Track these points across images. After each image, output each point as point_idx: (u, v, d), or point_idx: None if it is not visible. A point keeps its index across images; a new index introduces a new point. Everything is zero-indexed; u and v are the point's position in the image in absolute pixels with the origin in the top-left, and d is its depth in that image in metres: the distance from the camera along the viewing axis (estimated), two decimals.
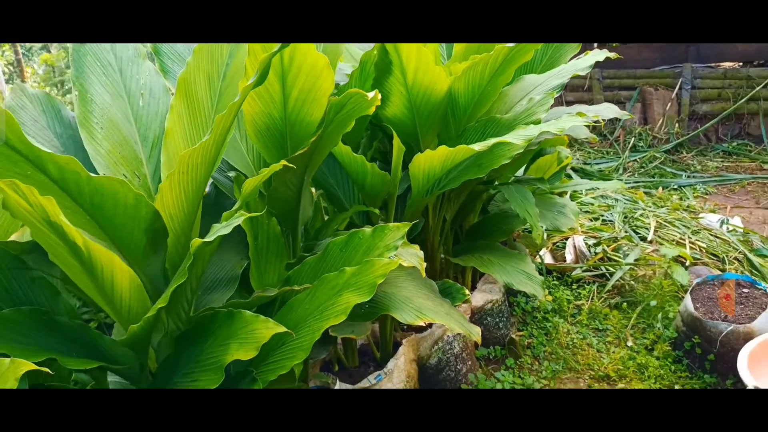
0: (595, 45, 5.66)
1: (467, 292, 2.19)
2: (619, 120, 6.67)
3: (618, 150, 6.32)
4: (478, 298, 3.02)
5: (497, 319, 3.07)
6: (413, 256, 1.60)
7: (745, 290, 2.87)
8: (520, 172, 3.18)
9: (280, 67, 1.46)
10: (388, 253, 1.49)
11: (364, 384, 2.29)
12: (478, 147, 1.67)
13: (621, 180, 5.14)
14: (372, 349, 2.60)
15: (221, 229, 1.19)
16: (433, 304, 1.73)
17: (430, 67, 1.93)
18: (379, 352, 2.57)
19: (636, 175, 5.74)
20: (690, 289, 2.88)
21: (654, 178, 5.66)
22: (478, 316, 3.04)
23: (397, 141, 1.95)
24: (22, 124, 1.63)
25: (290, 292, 1.44)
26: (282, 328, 1.24)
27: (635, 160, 6.12)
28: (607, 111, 2.67)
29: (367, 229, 1.57)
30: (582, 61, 2.27)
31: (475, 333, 1.67)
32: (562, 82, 2.19)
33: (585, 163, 6.03)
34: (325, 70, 1.49)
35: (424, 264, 1.55)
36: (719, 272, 3.25)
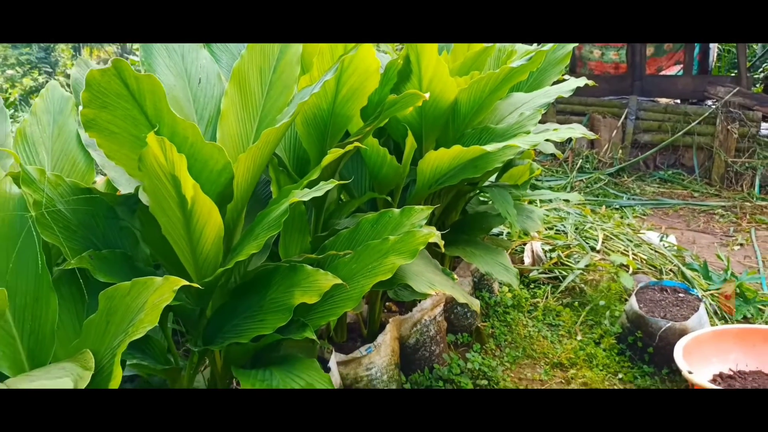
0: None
1: (455, 276, 2.50)
2: (569, 142, 7.20)
3: (566, 170, 6.83)
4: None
5: (465, 309, 3.41)
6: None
7: (680, 295, 3.31)
8: (492, 179, 3.54)
9: (340, 65, 1.73)
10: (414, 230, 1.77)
11: (355, 354, 2.56)
12: (490, 148, 2.00)
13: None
14: (360, 327, 2.87)
15: (313, 192, 1.45)
16: (440, 278, 2.03)
17: (444, 77, 2.24)
18: (366, 329, 2.84)
19: (582, 194, 6.24)
20: (635, 291, 3.31)
21: (598, 197, 6.18)
22: (450, 305, 3.37)
23: (410, 139, 2.24)
24: None
25: (334, 256, 1.71)
26: (338, 280, 1.51)
27: (581, 180, 6.64)
28: (577, 130, 3.05)
29: (396, 210, 1.85)
30: (565, 84, 2.64)
31: (475, 304, 1.98)
32: (548, 101, 2.55)
33: (537, 180, 6.49)
34: (375, 73, 1.77)
35: (442, 242, 1.84)
36: (658, 280, 3.70)
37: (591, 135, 3.06)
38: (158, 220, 1.46)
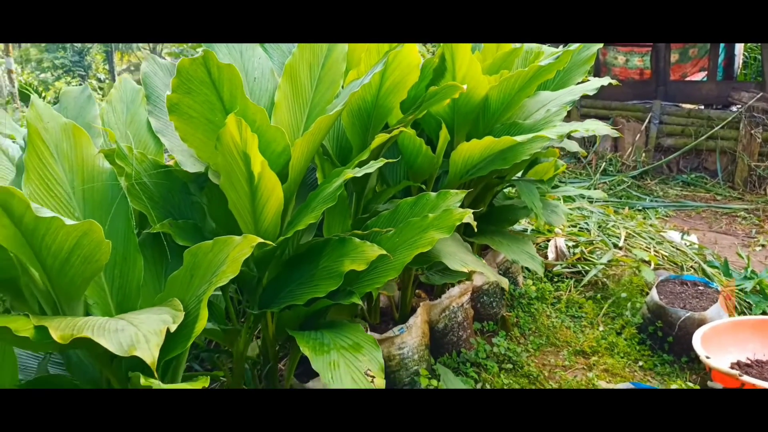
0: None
1: (483, 261, 2.67)
2: (593, 145, 7.32)
3: (590, 172, 6.95)
4: (477, 279, 3.51)
5: (491, 299, 3.57)
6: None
7: (700, 288, 3.44)
8: (518, 175, 3.70)
9: (386, 60, 1.92)
10: None
11: (389, 334, 2.73)
12: (520, 138, 2.17)
13: (593, 199, 5.73)
14: (392, 311, 3.05)
15: (365, 169, 1.64)
16: (472, 259, 2.20)
17: (476, 75, 2.42)
18: (398, 313, 3.02)
19: (605, 196, 6.36)
20: (656, 283, 3.44)
21: (621, 199, 6.29)
22: (476, 294, 3.53)
23: (444, 131, 2.42)
24: (155, 87, 2.04)
25: (377, 232, 1.89)
26: (383, 251, 1.69)
27: (605, 182, 6.75)
28: (601, 127, 3.21)
29: (432, 194, 2.03)
30: (590, 83, 2.79)
31: (504, 282, 2.14)
32: (574, 99, 2.71)
33: (560, 181, 6.63)
34: (416, 68, 1.96)
35: (474, 222, 2.01)
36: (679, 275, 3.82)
37: (615, 133, 3.21)
38: (227, 194, 1.65)
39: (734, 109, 7.09)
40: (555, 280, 4.09)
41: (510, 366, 3.15)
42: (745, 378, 2.56)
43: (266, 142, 1.65)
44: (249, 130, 1.44)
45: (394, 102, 2.08)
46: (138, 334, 1.05)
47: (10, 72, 9.07)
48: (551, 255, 4.27)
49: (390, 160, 1.87)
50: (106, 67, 18.38)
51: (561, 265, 4.15)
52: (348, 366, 1.62)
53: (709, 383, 2.73)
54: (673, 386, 2.26)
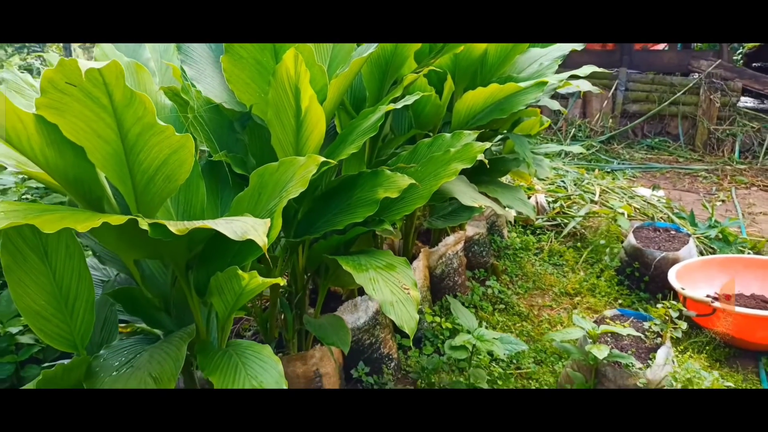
0: None
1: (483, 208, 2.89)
2: (560, 113, 7.62)
3: (561, 138, 7.26)
4: (469, 230, 3.75)
5: (482, 248, 3.82)
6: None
7: (672, 233, 3.75)
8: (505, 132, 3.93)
9: None
10: None
11: None
12: (524, 84, 2.38)
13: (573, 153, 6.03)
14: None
15: (403, 101, 1.82)
16: (480, 196, 2.42)
17: None
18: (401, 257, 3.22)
19: (576, 160, 6.68)
20: (632, 229, 3.73)
21: (591, 162, 6.61)
22: (468, 244, 3.77)
23: (449, 81, 2.61)
24: (193, 51, 2.15)
25: (403, 168, 2.08)
26: (413, 181, 1.88)
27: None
28: (585, 85, 3.45)
29: (447, 134, 2.23)
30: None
31: (510, 215, 2.36)
32: (564, 54, 2.93)
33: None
34: None
35: (486, 159, 2.22)
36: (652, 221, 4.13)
37: (596, 90, 3.47)
38: (272, 129, 1.81)
39: (695, 76, 7.48)
40: (537, 232, 4.37)
41: (502, 306, 3.41)
42: (716, 304, 2.87)
43: (310, 79, 1.82)
44: (303, 64, 1.60)
45: (410, 51, 2.26)
46: (247, 224, 1.22)
47: None
48: None
49: (427, 92, 2.03)
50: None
51: (542, 218, 4.42)
52: (386, 281, 1.82)
53: (684, 312, 3.03)
54: (654, 315, 2.53)
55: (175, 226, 1.19)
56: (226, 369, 1.46)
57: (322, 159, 1.49)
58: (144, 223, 1.21)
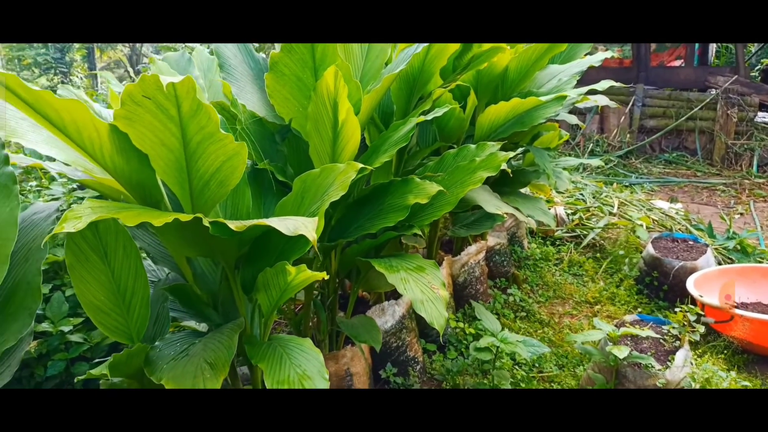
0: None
1: (505, 216, 3.01)
2: (578, 128, 7.73)
3: (579, 153, 7.35)
4: (491, 240, 3.86)
5: (503, 258, 3.92)
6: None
7: (690, 243, 3.83)
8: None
9: None
10: None
11: None
12: (544, 98, 2.51)
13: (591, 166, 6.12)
14: None
15: (433, 113, 1.96)
16: (503, 205, 2.54)
17: (501, 46, 2.75)
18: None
19: (594, 174, 6.77)
20: (651, 239, 3.82)
21: (608, 176, 6.70)
22: (489, 254, 3.88)
23: (472, 96, 2.75)
24: (227, 57, 2.33)
25: (431, 176, 2.21)
26: (441, 188, 2.01)
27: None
28: (603, 100, 3.57)
29: (472, 145, 2.36)
30: (594, 57, 3.15)
31: (532, 223, 2.48)
32: (582, 69, 3.06)
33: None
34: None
35: (509, 169, 2.34)
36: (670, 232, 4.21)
37: (613, 104, 3.58)
38: (311, 140, 1.95)
39: (712, 92, 7.56)
40: (557, 243, 4.46)
41: (524, 314, 3.50)
42: (736, 311, 2.94)
43: (348, 94, 1.96)
44: (342, 80, 1.74)
45: (436, 67, 2.40)
46: (298, 222, 1.35)
47: None
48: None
49: (438, 112, 2.18)
50: (86, 65, 18.38)
51: (561, 230, 4.52)
52: (416, 281, 1.94)
53: (702, 319, 3.11)
54: (672, 320, 2.62)
55: (234, 224, 1.33)
56: (272, 358, 1.59)
57: (360, 165, 1.63)
58: (206, 221, 1.35)
